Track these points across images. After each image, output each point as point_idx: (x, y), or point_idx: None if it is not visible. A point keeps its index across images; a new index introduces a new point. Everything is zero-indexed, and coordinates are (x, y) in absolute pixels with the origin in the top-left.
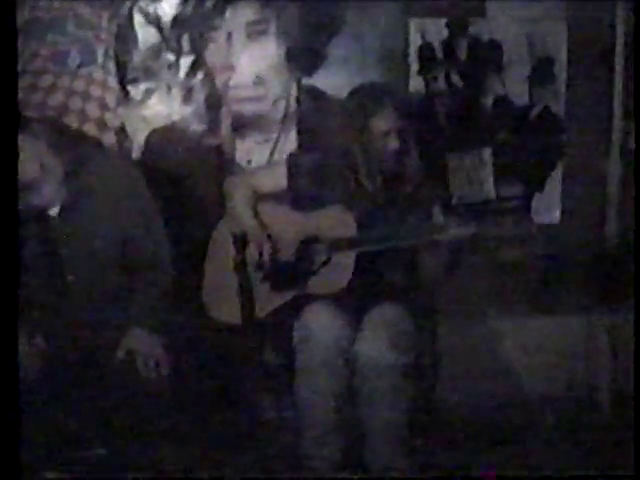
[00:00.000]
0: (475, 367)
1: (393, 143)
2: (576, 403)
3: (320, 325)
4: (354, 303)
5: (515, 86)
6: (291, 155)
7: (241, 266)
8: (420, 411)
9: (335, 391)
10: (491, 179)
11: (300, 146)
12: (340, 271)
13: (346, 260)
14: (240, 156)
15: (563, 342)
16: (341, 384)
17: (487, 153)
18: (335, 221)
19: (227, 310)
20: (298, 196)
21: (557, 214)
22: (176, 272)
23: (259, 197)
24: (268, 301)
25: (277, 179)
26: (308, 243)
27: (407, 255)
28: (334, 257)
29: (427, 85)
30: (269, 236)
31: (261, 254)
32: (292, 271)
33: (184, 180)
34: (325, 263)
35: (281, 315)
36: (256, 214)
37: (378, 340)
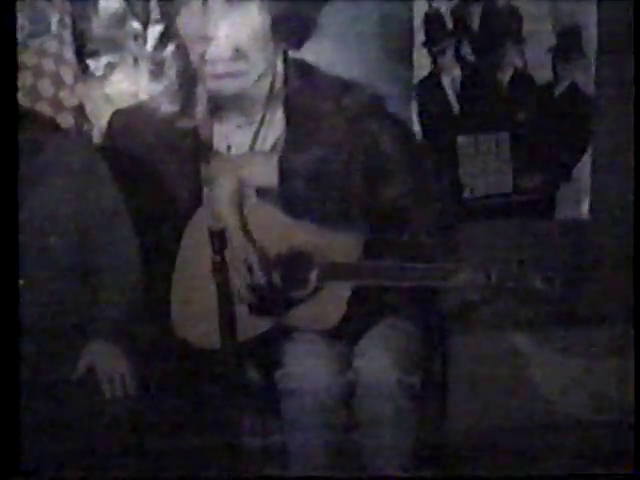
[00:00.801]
0: (491, 389)
1: None
2: (606, 427)
3: (306, 374)
4: (348, 341)
5: (537, 59)
6: (287, 145)
7: (220, 269)
8: (428, 439)
9: (329, 420)
10: (509, 168)
11: (288, 131)
12: (332, 304)
13: (341, 291)
14: (218, 141)
15: (592, 359)
16: (336, 411)
17: (504, 137)
18: (334, 241)
19: (202, 330)
20: (292, 198)
21: (585, 208)
22: (146, 275)
23: (245, 192)
24: (247, 325)
25: (268, 173)
26: (298, 261)
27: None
28: (327, 285)
29: (434, 59)
30: (255, 242)
31: (249, 268)
32: (274, 294)
33: (153, 169)
34: (316, 291)
35: (264, 343)
36: (241, 212)
37: (379, 356)
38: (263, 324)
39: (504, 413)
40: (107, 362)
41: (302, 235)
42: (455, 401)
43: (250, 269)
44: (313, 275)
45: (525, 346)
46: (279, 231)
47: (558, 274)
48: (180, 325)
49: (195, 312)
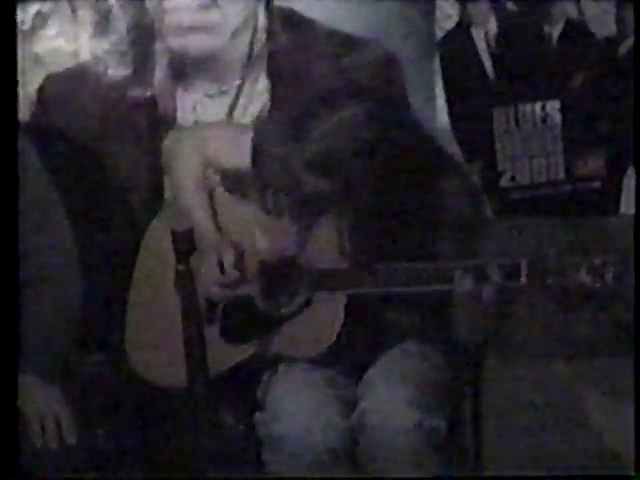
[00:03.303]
0: (536, 432)
1: None
2: None
3: (301, 414)
4: (350, 372)
5: (596, 8)
6: (260, 119)
7: (185, 281)
8: None
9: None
10: (560, 148)
11: (273, 100)
12: (325, 320)
13: (334, 304)
14: (183, 115)
15: None
16: (334, 466)
17: (554, 108)
18: (323, 242)
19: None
20: (269, 189)
21: None
22: (87, 290)
23: (214, 179)
24: (220, 354)
25: (240, 151)
26: (281, 271)
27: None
28: (316, 298)
29: (462, 7)
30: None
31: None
32: (253, 313)
33: (98, 152)
34: (304, 307)
35: (233, 382)
36: (211, 200)
37: (392, 392)
38: (239, 352)
39: (554, 464)
40: (37, 402)
41: (283, 236)
42: (490, 449)
43: (222, 268)
44: (300, 286)
45: (580, 379)
46: (255, 232)
47: (608, 265)
48: (136, 357)
49: (156, 342)
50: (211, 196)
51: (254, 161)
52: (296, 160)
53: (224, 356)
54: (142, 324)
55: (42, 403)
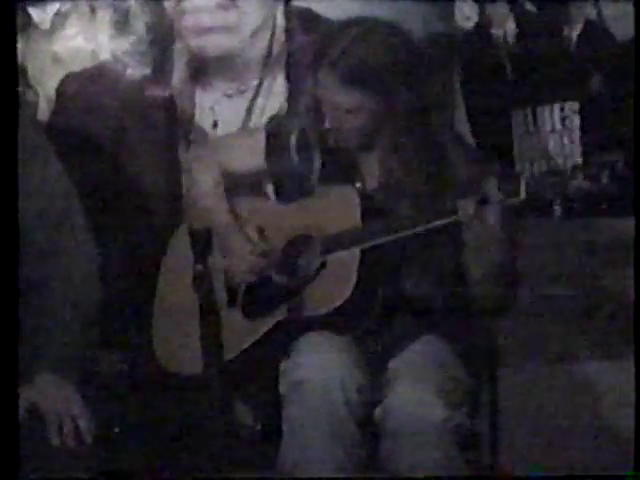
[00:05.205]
0: (554, 429)
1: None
2: None
3: (322, 362)
4: (373, 335)
5: (615, 9)
6: (273, 119)
7: (203, 280)
8: None
9: (348, 463)
10: (579, 149)
11: (290, 99)
12: (337, 279)
13: (346, 263)
14: (202, 115)
15: None
16: (358, 452)
17: (573, 110)
18: (332, 209)
19: (182, 354)
20: (283, 180)
21: None
22: (105, 290)
23: (229, 183)
24: (240, 335)
25: (255, 154)
26: (295, 245)
27: (440, 249)
28: (330, 260)
29: (481, 9)
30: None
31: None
32: (273, 288)
33: (117, 151)
34: (319, 270)
35: (259, 354)
36: (230, 206)
37: (416, 387)
38: (262, 326)
39: (572, 462)
40: (55, 401)
41: (297, 218)
42: (508, 446)
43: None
44: (313, 254)
45: (597, 377)
46: (271, 220)
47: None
48: (163, 353)
49: (176, 339)
50: (229, 197)
51: (268, 155)
52: (329, 79)
53: (247, 334)
54: (168, 322)
55: (60, 402)
